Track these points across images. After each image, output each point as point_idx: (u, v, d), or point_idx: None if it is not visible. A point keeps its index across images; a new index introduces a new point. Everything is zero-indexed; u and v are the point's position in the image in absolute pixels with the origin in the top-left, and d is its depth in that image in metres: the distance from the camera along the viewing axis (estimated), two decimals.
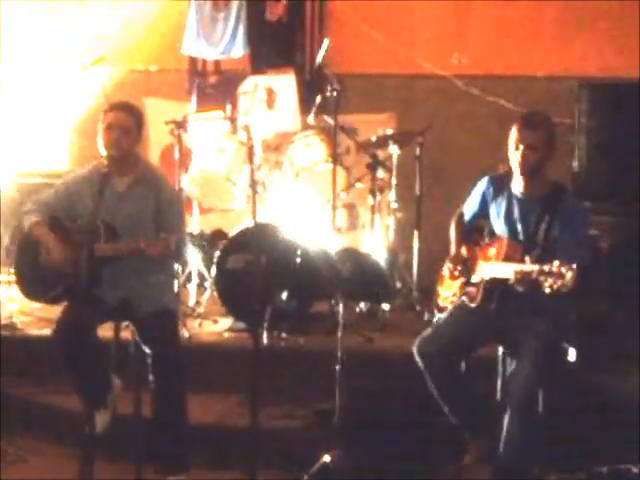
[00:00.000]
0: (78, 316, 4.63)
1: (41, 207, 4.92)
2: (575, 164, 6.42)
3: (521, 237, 4.58)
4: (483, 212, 4.80)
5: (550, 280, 4.03)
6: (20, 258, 4.96)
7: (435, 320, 4.94)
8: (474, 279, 4.63)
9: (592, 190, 6.24)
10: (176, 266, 5.58)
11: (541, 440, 4.44)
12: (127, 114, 4.85)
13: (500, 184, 4.70)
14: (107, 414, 4.78)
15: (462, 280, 4.71)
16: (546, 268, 4.07)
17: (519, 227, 4.60)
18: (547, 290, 4.04)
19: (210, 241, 4.62)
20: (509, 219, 4.64)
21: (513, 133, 4.55)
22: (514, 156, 4.55)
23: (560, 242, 4.41)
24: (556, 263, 4.04)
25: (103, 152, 4.80)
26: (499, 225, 4.69)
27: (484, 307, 4.55)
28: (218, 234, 4.62)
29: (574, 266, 4.01)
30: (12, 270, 5.06)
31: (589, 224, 4.97)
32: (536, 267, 4.14)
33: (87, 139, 7.63)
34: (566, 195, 4.61)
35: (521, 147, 4.50)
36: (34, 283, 4.90)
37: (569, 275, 3.99)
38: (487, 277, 4.52)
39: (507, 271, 4.36)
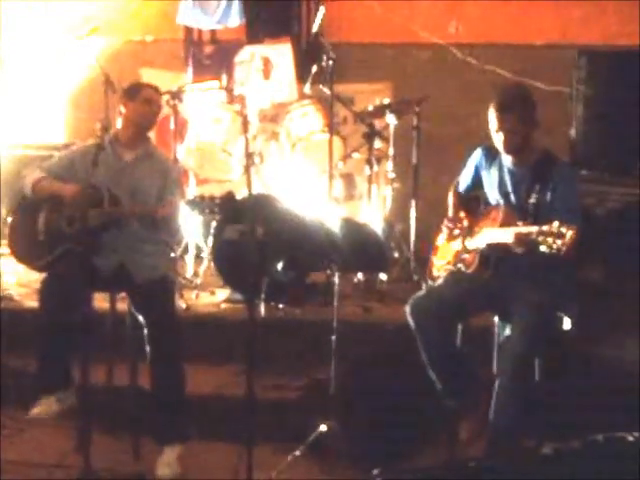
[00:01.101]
0: (71, 285, 4.62)
1: (43, 171, 4.98)
2: (572, 132, 6.39)
3: (514, 206, 4.56)
4: (477, 183, 4.79)
5: (550, 240, 3.97)
6: (17, 220, 4.99)
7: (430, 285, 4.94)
8: (470, 245, 4.62)
9: (589, 158, 6.21)
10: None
11: (536, 410, 4.45)
12: (158, 93, 5.12)
13: (492, 154, 4.67)
14: (58, 406, 4.74)
15: (457, 249, 4.70)
16: (545, 228, 4.02)
17: (512, 197, 4.58)
18: (546, 250, 3.99)
19: (220, 205, 4.62)
20: (502, 189, 4.63)
21: (491, 115, 4.49)
22: (497, 137, 4.52)
23: (554, 208, 4.37)
24: (555, 224, 3.99)
25: (133, 122, 4.98)
26: (493, 195, 4.67)
27: (479, 274, 4.54)
28: (228, 197, 4.61)
29: (573, 226, 3.97)
30: (7, 233, 5.05)
31: (583, 192, 4.96)
32: (535, 228, 4.10)
33: (83, 111, 7.60)
34: (556, 162, 4.57)
35: (501, 132, 4.46)
36: (29, 247, 4.93)
37: (569, 234, 3.94)
38: (484, 244, 4.50)
39: (506, 235, 4.34)
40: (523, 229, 4.24)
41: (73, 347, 4.65)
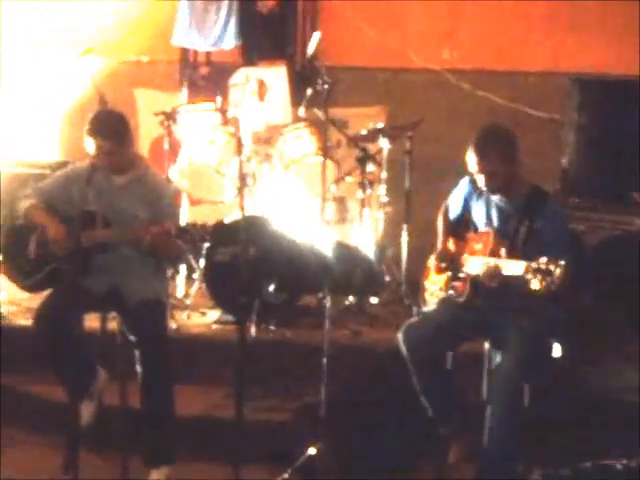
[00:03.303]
0: (62, 306, 4.64)
1: (38, 193, 4.98)
2: (564, 160, 6.42)
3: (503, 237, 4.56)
4: (467, 212, 4.80)
5: (539, 276, 4.01)
6: (9, 240, 4.99)
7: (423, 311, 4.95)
8: (460, 274, 4.63)
9: (581, 186, 6.25)
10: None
11: (525, 436, 4.45)
12: (115, 139, 4.82)
13: (479, 186, 4.65)
14: (92, 405, 4.77)
15: (448, 274, 4.71)
16: (534, 265, 4.04)
17: (501, 232, 4.57)
18: (537, 288, 4.02)
19: (213, 234, 4.65)
20: (489, 222, 4.64)
21: (470, 157, 4.50)
22: (478, 179, 4.53)
23: (543, 245, 4.35)
24: (543, 260, 4.02)
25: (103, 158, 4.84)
26: (482, 224, 4.69)
27: (471, 302, 4.55)
28: (220, 226, 4.63)
29: (562, 262, 3.99)
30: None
31: (575, 219, 4.97)
32: (524, 264, 4.12)
33: (78, 130, 7.55)
34: (545, 198, 4.58)
35: (481, 175, 4.47)
36: (19, 266, 4.93)
37: (557, 272, 3.97)
38: (473, 272, 4.52)
39: (482, 267, 4.39)
40: (510, 264, 4.26)
41: (76, 355, 4.68)
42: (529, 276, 4.04)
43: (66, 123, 7.83)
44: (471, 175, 4.65)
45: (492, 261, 4.39)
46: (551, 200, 4.64)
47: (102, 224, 4.78)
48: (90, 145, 4.83)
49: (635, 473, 4.02)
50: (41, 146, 7.77)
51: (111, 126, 4.89)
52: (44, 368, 4.91)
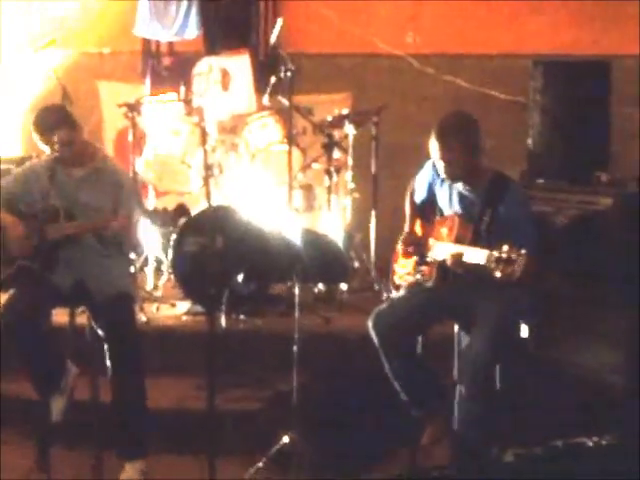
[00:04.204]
0: (30, 302, 4.60)
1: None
2: (530, 142, 6.43)
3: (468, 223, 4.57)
4: (432, 196, 4.81)
5: (500, 266, 4.03)
6: None
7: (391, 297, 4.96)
8: (427, 258, 4.64)
9: (547, 167, 6.26)
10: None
11: (497, 417, 4.48)
12: (67, 128, 4.78)
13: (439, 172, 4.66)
14: (62, 400, 4.73)
15: (415, 259, 4.73)
16: (495, 254, 4.06)
17: (464, 218, 4.59)
18: (499, 276, 4.05)
19: (173, 218, 4.64)
20: (453, 209, 4.66)
21: (432, 144, 4.49)
22: (439, 166, 4.53)
23: (506, 232, 4.35)
24: (505, 248, 4.03)
25: (61, 152, 4.77)
26: (446, 209, 4.70)
27: (439, 287, 4.57)
28: (180, 210, 4.62)
29: (523, 251, 4.01)
30: None
31: (541, 201, 4.99)
32: (486, 252, 4.14)
33: None
34: (508, 185, 4.58)
35: (441, 162, 4.47)
36: None
37: (519, 260, 3.99)
38: (440, 257, 4.53)
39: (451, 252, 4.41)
40: (474, 252, 4.27)
41: (45, 351, 4.63)
42: (491, 265, 4.06)
43: (28, 117, 7.72)
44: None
45: (456, 249, 4.41)
46: (513, 186, 4.65)
47: (66, 218, 4.73)
48: (45, 143, 4.77)
49: (606, 450, 4.05)
50: (4, 141, 7.70)
51: (63, 116, 4.85)
52: (12, 365, 4.87)
